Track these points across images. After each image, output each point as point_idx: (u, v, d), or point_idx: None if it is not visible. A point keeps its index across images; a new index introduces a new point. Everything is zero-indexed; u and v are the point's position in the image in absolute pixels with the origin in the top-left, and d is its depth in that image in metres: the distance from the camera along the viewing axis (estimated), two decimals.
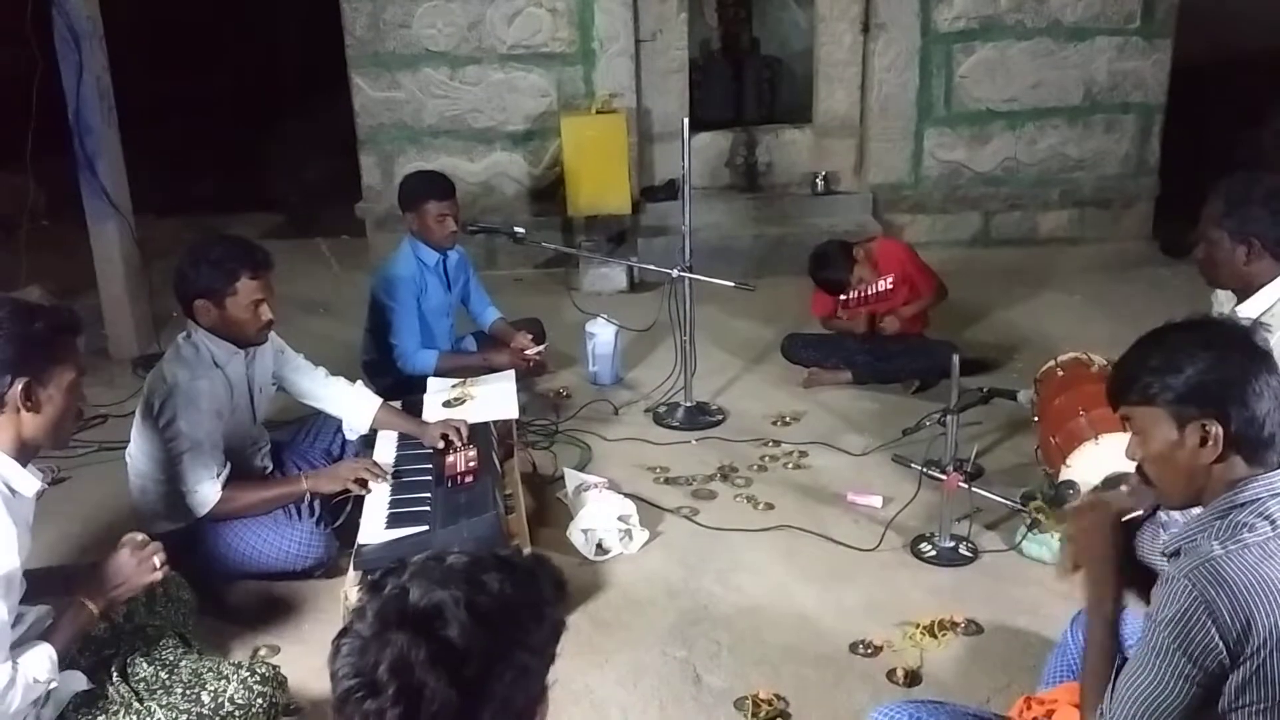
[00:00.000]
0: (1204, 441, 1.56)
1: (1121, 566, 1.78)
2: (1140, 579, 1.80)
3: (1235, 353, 1.58)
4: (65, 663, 2.04)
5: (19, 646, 1.98)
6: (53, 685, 2.00)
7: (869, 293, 4.22)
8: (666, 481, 3.59)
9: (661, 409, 4.15)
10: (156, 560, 2.18)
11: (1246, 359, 1.58)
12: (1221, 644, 1.46)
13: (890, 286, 4.22)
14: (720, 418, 4.10)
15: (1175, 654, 1.49)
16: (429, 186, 3.97)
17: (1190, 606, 1.48)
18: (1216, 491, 1.58)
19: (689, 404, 4.11)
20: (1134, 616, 1.99)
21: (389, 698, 1.02)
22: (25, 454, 2.01)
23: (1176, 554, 1.60)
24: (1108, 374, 1.75)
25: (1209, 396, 1.56)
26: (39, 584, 2.18)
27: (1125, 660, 1.61)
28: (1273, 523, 1.51)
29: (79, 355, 2.10)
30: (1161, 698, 1.51)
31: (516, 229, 4.15)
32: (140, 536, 2.22)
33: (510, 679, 1.07)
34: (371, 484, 2.96)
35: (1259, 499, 1.54)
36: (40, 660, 1.98)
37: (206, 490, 2.81)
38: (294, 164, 7.60)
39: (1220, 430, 1.55)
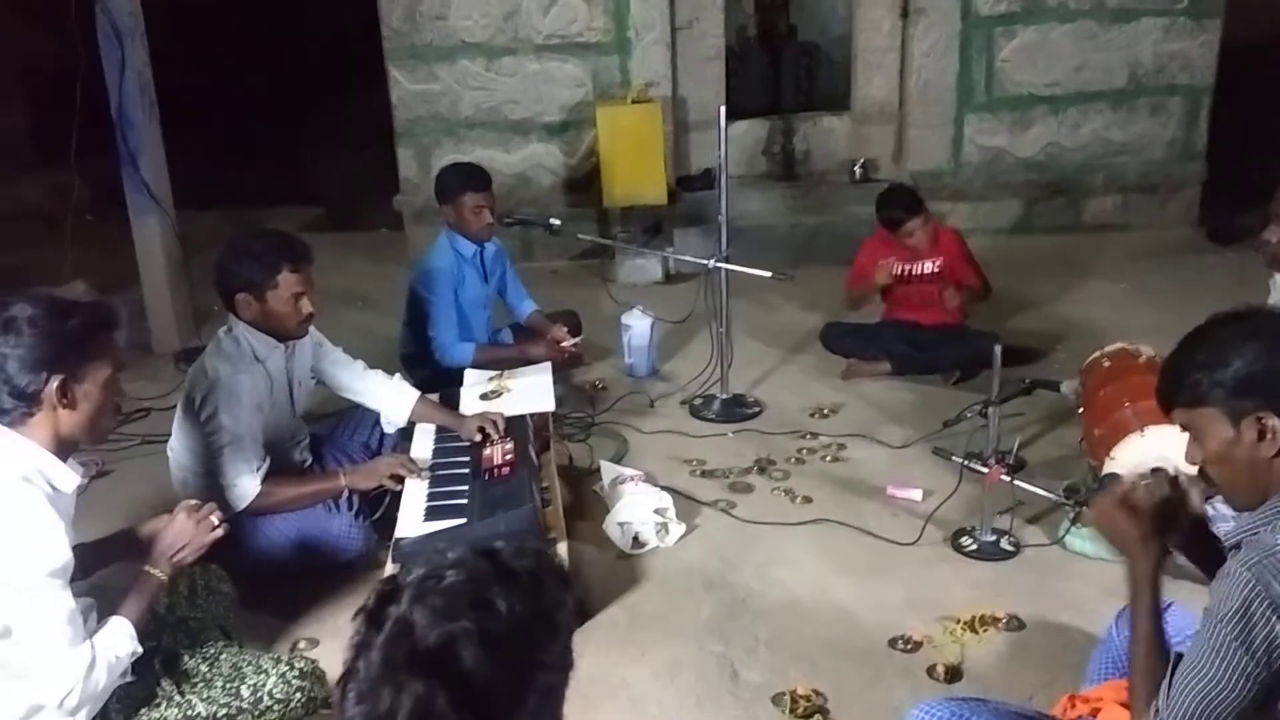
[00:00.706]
0: (1262, 435, 1.52)
1: (1160, 554, 1.73)
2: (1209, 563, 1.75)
3: None
4: (141, 634, 2.08)
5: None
6: (137, 654, 2.04)
7: (913, 271, 4.18)
8: (703, 474, 3.57)
9: (698, 401, 4.13)
10: (214, 519, 2.22)
11: None
12: None
13: (937, 270, 4.18)
14: (757, 410, 4.08)
15: (1237, 650, 1.45)
16: (466, 178, 3.98)
17: (1254, 600, 1.44)
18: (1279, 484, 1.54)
19: (725, 396, 4.09)
20: (1180, 611, 1.94)
21: None
22: (64, 450, 2.03)
23: (1236, 547, 1.56)
24: (1155, 370, 1.70)
25: (1261, 388, 1.52)
26: (94, 555, 2.21)
27: (1179, 656, 1.57)
28: None
29: (117, 350, 2.11)
30: (1222, 696, 1.48)
31: (552, 221, 4.14)
32: (194, 501, 2.26)
33: (535, 704, 1.03)
34: (407, 480, 2.98)
35: None
36: (119, 635, 2.02)
37: (246, 484, 2.84)
38: (332, 157, 7.65)
39: (1277, 422, 1.50)
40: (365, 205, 6.94)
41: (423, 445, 3.20)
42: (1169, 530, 1.74)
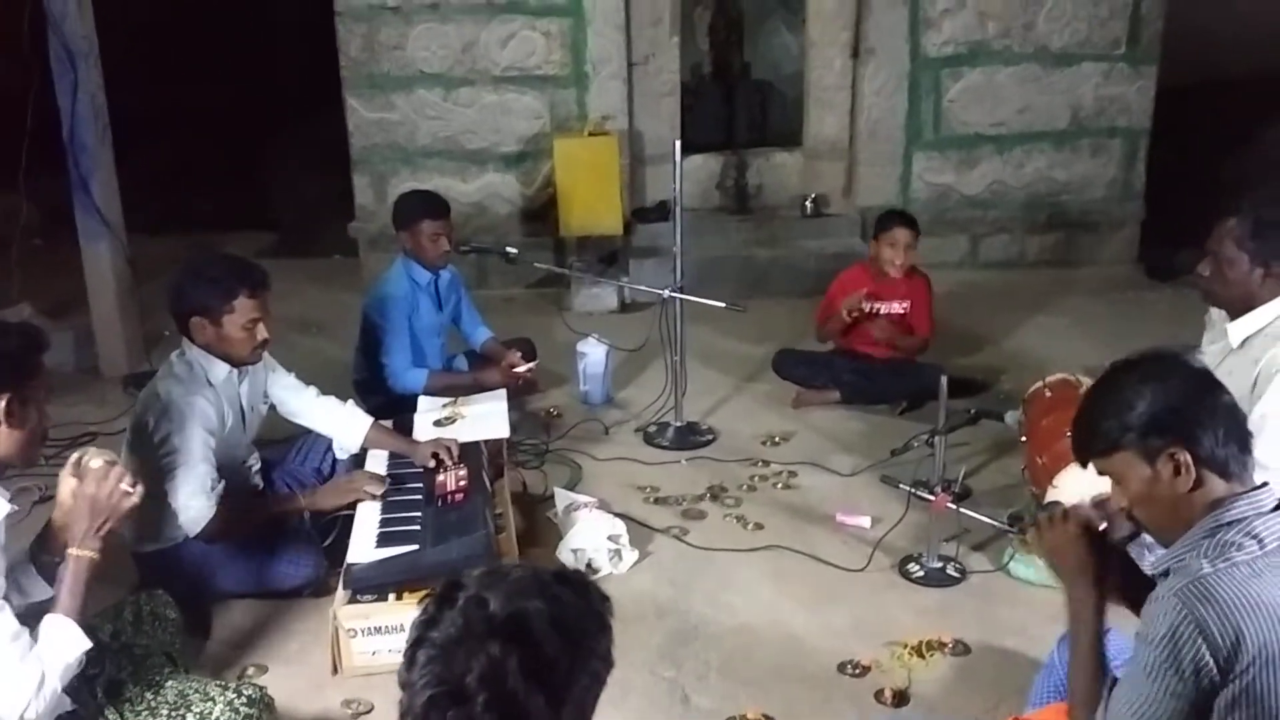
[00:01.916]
0: (1177, 470, 1.60)
1: (1101, 578, 1.79)
2: (1131, 592, 1.82)
3: (1177, 378, 1.64)
4: (86, 621, 2.03)
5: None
6: (87, 647, 1.99)
7: (880, 310, 4.30)
8: (656, 501, 3.60)
9: (652, 429, 4.17)
10: (125, 484, 2.08)
11: (1189, 381, 1.64)
12: (1212, 661, 1.48)
13: (903, 311, 4.31)
14: (710, 438, 4.12)
15: (1167, 672, 1.51)
16: (424, 206, 4.00)
17: (1181, 625, 1.50)
18: (1201, 514, 1.61)
19: (679, 424, 4.12)
20: (1118, 636, 2.00)
21: (480, 705, 1.04)
22: None
23: (1166, 574, 1.62)
24: (1071, 434, 1.77)
25: (1168, 426, 1.60)
26: (40, 570, 2.16)
27: (1115, 680, 1.63)
28: (1260, 542, 1.54)
29: (47, 374, 2.11)
30: (1154, 715, 1.53)
31: (509, 249, 4.18)
32: (95, 464, 2.09)
33: (586, 684, 1.13)
34: (374, 493, 2.99)
35: (1245, 518, 1.57)
36: (63, 638, 1.97)
37: (201, 507, 2.80)
38: (289, 184, 7.63)
39: (1188, 456, 1.58)
40: (320, 232, 6.92)
41: (376, 471, 3.19)
42: (1105, 557, 1.80)
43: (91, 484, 2.08)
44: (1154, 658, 1.52)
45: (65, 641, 1.98)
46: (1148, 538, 1.86)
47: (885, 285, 4.32)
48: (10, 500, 2.07)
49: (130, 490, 2.09)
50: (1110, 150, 6.34)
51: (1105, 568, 1.80)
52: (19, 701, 1.89)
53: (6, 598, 1.97)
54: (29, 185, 4.86)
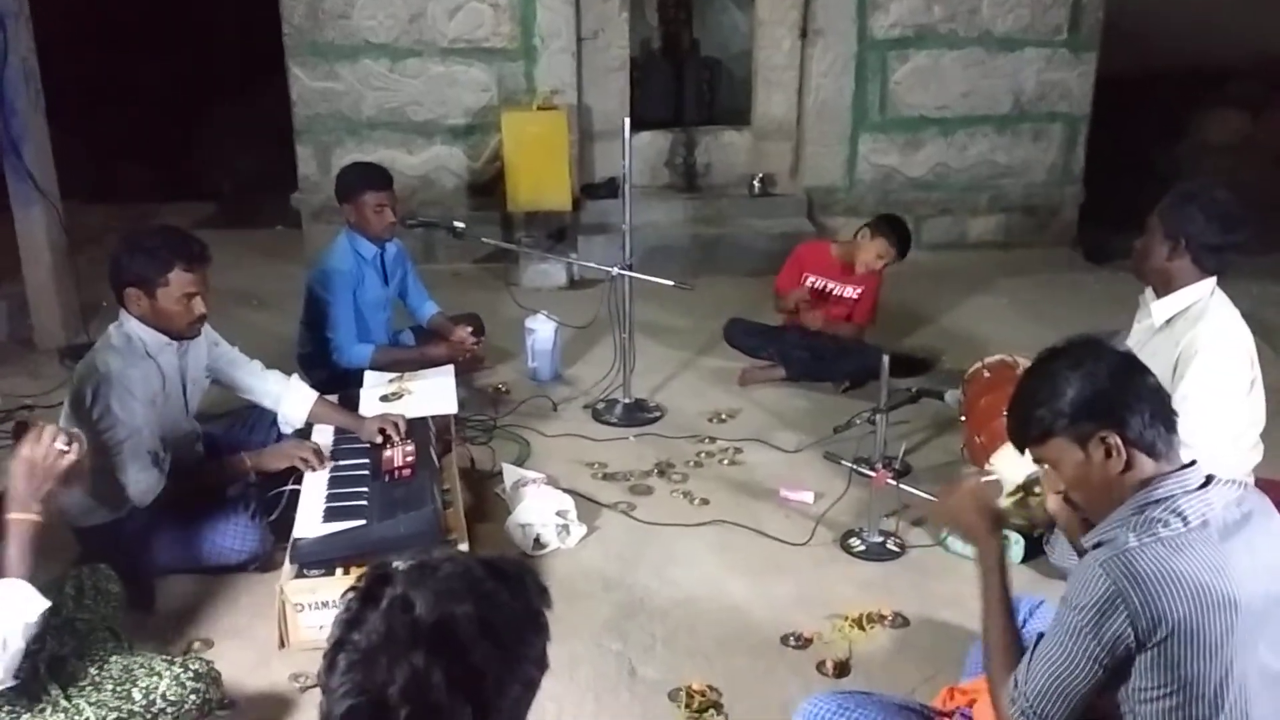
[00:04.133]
0: (1108, 453, 1.66)
1: (1000, 544, 1.93)
2: None
3: (1103, 363, 1.70)
4: (50, 581, 2.02)
5: None
6: (44, 606, 1.97)
7: (832, 290, 4.39)
8: (604, 477, 3.63)
9: (600, 405, 4.19)
10: (60, 443, 2.06)
11: (1114, 366, 1.70)
12: (1131, 631, 1.55)
13: (855, 298, 4.39)
14: (658, 414, 4.15)
15: (1087, 637, 1.58)
16: (366, 177, 3.95)
17: (1104, 595, 1.57)
18: (1132, 493, 1.68)
19: (627, 401, 4.15)
20: (1049, 608, 2.09)
21: (402, 718, 0.98)
22: None
23: (1098, 545, 1.69)
24: (1005, 424, 1.85)
25: (1097, 410, 1.67)
26: None
27: (1041, 635, 1.70)
28: (1184, 519, 1.61)
29: None
30: (1070, 675, 1.61)
31: (456, 223, 4.14)
32: (33, 431, 2.08)
33: (517, 693, 1.07)
34: (315, 465, 2.98)
35: (1172, 495, 1.63)
36: (15, 600, 1.94)
37: (148, 478, 2.77)
38: (229, 153, 7.48)
39: (1118, 438, 1.65)
40: (261, 202, 6.80)
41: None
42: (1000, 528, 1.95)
43: (27, 446, 2.05)
44: (1076, 622, 1.60)
45: (20, 601, 1.96)
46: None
47: (845, 271, 4.39)
48: None
49: (65, 448, 2.06)
50: (1051, 135, 6.47)
51: (998, 523, 1.93)
52: None
53: None
54: None
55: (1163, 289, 2.83)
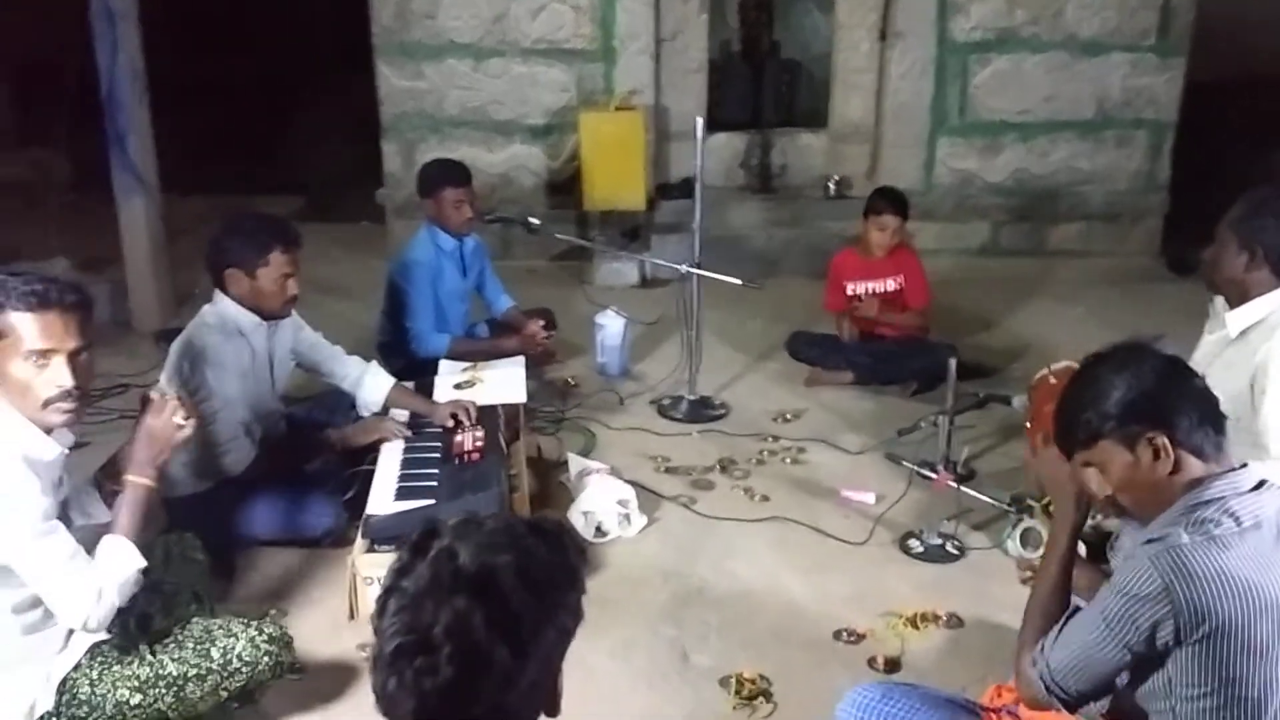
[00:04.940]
0: (1156, 454, 1.67)
1: (1083, 512, 1.92)
2: None
3: (1148, 366, 1.71)
4: (143, 546, 2.17)
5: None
6: (143, 565, 2.14)
7: (875, 290, 4.42)
8: (667, 471, 3.69)
9: (666, 401, 4.25)
10: (179, 418, 2.22)
11: (1161, 368, 1.71)
12: (1172, 626, 1.56)
13: (897, 288, 4.39)
14: (723, 412, 4.20)
15: (1126, 625, 1.61)
16: (447, 173, 4.09)
17: (1151, 586, 1.58)
18: (1181, 494, 1.68)
19: (693, 397, 4.21)
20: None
21: (445, 656, 1.07)
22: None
23: (1149, 542, 1.70)
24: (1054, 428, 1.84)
25: (1144, 412, 1.68)
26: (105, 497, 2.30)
27: (1077, 609, 1.72)
28: (1237, 520, 1.61)
29: (93, 331, 2.19)
30: (1098, 654, 1.64)
31: (531, 219, 4.26)
32: (154, 394, 2.27)
33: (553, 638, 1.15)
34: (399, 434, 3.16)
35: (1224, 497, 1.64)
36: (119, 555, 2.11)
37: (244, 447, 2.97)
38: (317, 149, 7.72)
39: (1166, 439, 1.66)
40: (347, 197, 7.02)
41: None
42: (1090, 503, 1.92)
43: (150, 415, 2.23)
44: (1118, 608, 1.62)
45: (122, 558, 2.13)
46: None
47: (874, 264, 4.42)
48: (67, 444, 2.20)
49: (183, 423, 2.24)
50: (1136, 142, 6.33)
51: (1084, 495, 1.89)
52: (80, 611, 2.07)
53: (70, 520, 2.14)
54: (63, 142, 4.99)
55: (1238, 300, 2.79)
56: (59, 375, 2.03)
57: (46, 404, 2.05)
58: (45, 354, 2.02)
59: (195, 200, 6.69)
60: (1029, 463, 2.90)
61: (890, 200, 4.41)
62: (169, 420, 2.23)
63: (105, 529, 2.19)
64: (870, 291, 4.43)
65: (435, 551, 1.13)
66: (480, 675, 1.08)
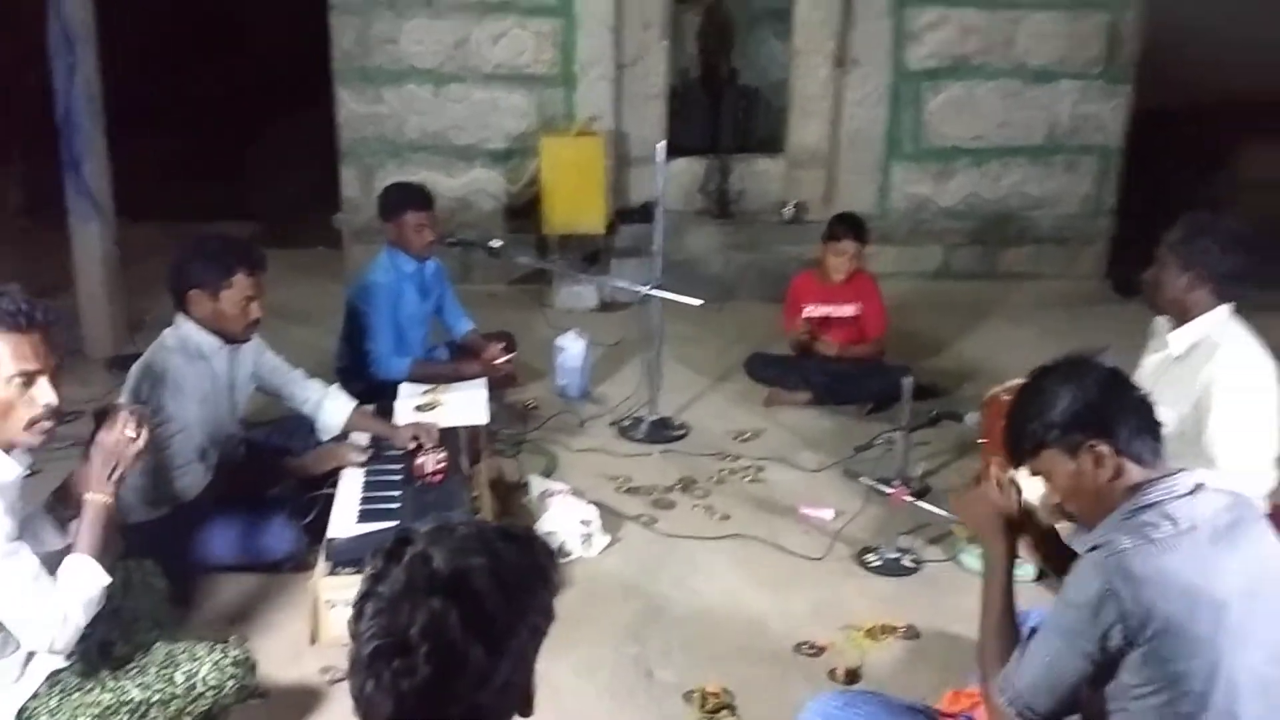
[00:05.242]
0: (1098, 462, 1.74)
1: (1009, 533, 1.99)
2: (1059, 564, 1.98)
3: (1091, 378, 1.78)
4: (106, 563, 2.14)
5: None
6: (107, 583, 2.11)
7: (834, 315, 4.50)
8: (628, 491, 3.72)
9: (626, 423, 4.28)
10: (130, 430, 2.20)
11: (1102, 380, 1.78)
12: (1122, 628, 1.62)
13: (856, 314, 4.46)
14: (683, 432, 4.24)
15: (1081, 634, 1.66)
16: (409, 197, 4.11)
17: (1097, 592, 1.64)
18: (1122, 499, 1.75)
19: (653, 418, 4.24)
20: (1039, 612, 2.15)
21: (422, 656, 1.10)
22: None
23: (1093, 549, 1.76)
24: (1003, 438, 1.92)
25: (1086, 422, 1.75)
26: (59, 521, 2.27)
27: (1034, 631, 1.77)
28: (1174, 522, 1.68)
29: (59, 349, 2.19)
30: (1061, 669, 1.69)
31: (493, 242, 4.28)
32: (109, 413, 2.23)
33: (526, 637, 1.19)
34: (357, 461, 3.16)
35: (1161, 500, 1.71)
36: (82, 574, 2.09)
37: (197, 471, 2.93)
38: (272, 174, 7.70)
39: (1107, 447, 1.73)
40: (304, 223, 6.99)
41: None
42: (1019, 531, 2.00)
43: (103, 430, 2.21)
44: (1071, 619, 1.67)
45: (86, 577, 2.10)
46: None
47: (833, 289, 4.49)
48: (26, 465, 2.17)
49: (134, 435, 2.21)
50: (1084, 167, 6.51)
51: (1013, 527, 1.99)
52: (45, 634, 2.04)
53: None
54: (13, 167, 4.94)
55: (1179, 319, 2.88)
56: (44, 394, 2.03)
57: (32, 424, 2.03)
58: (31, 375, 2.01)
59: (147, 226, 6.63)
60: (955, 506, 2.98)
61: (849, 226, 4.49)
62: (121, 433, 2.21)
63: (61, 555, 2.17)
64: (828, 317, 4.50)
65: (410, 556, 1.16)
66: (456, 674, 1.11)
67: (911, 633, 2.85)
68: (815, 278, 4.57)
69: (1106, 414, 1.75)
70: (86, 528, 2.15)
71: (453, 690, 1.11)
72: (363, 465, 3.18)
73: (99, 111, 4.80)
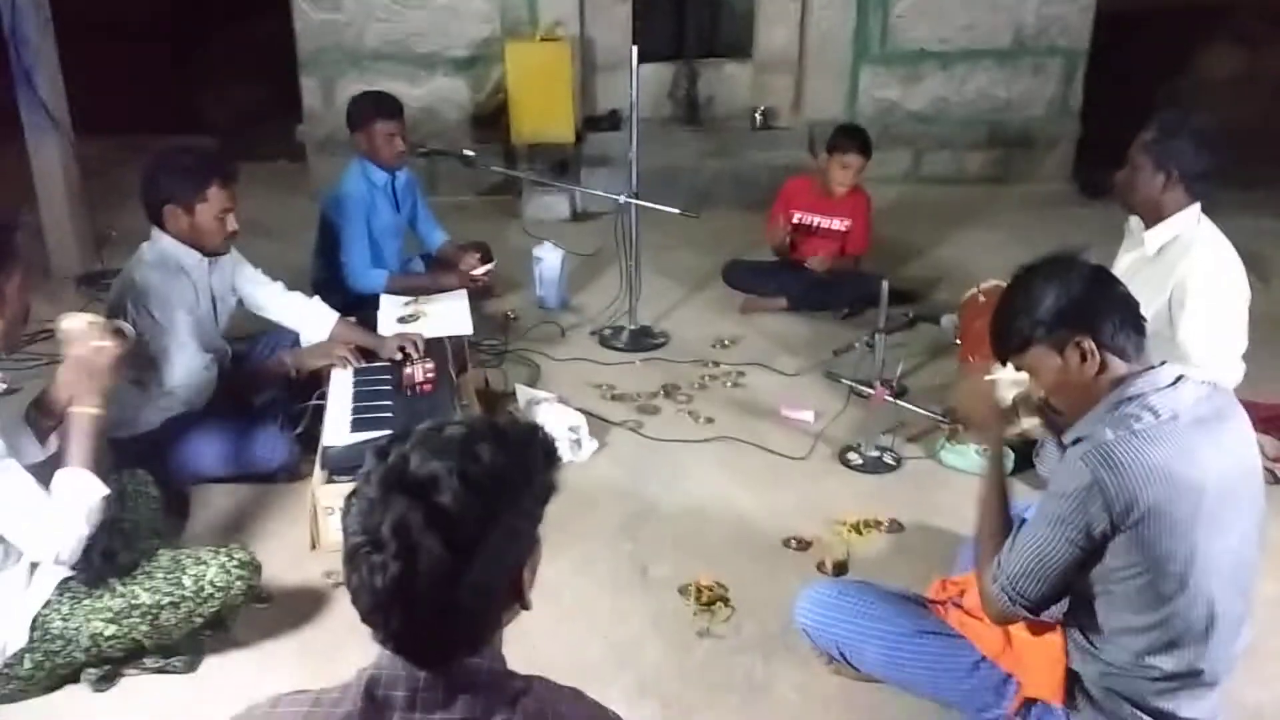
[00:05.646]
0: (1083, 357, 1.80)
1: (1001, 424, 2.07)
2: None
3: (1075, 275, 1.84)
4: (99, 474, 2.15)
5: None
6: (104, 492, 2.14)
7: (820, 224, 4.49)
8: (613, 398, 3.76)
9: (607, 332, 4.31)
10: (96, 339, 2.21)
11: (1086, 276, 1.84)
12: (1107, 516, 1.70)
13: (844, 229, 4.48)
14: (663, 340, 4.28)
15: (1067, 522, 1.74)
16: (378, 106, 4.02)
17: (1084, 483, 1.71)
18: (1107, 392, 1.82)
19: (634, 327, 4.27)
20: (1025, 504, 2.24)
21: (391, 553, 1.14)
22: None
23: (1077, 441, 1.83)
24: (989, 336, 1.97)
25: (1072, 318, 1.81)
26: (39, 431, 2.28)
27: (1024, 521, 1.85)
28: (1155, 413, 1.75)
29: (21, 255, 2.17)
30: (1049, 557, 1.78)
31: (466, 151, 4.24)
32: (69, 325, 2.24)
33: (498, 539, 1.19)
34: (350, 360, 3.19)
35: (1143, 393, 1.78)
36: (78, 485, 2.10)
37: (203, 378, 2.93)
38: (228, 86, 7.48)
39: (1092, 343, 1.79)
40: (263, 135, 6.83)
41: None
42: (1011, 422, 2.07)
43: (76, 346, 2.21)
44: (1058, 509, 1.76)
45: (83, 486, 2.12)
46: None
47: (828, 201, 4.49)
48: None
49: (104, 344, 2.21)
50: (1050, 70, 6.50)
51: (1006, 416, 2.06)
52: (49, 544, 2.08)
53: None
54: None
55: (1153, 219, 2.95)
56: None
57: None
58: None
59: (102, 140, 6.44)
60: (955, 400, 3.04)
61: (856, 139, 4.45)
62: (89, 344, 2.20)
63: (42, 468, 2.17)
64: (816, 225, 4.50)
65: (392, 457, 1.19)
66: (422, 573, 1.14)
67: (895, 526, 2.95)
68: (812, 185, 4.56)
69: (1091, 310, 1.80)
70: (75, 441, 2.15)
71: (418, 588, 1.14)
72: (353, 368, 3.20)
73: (47, 20, 4.62)
